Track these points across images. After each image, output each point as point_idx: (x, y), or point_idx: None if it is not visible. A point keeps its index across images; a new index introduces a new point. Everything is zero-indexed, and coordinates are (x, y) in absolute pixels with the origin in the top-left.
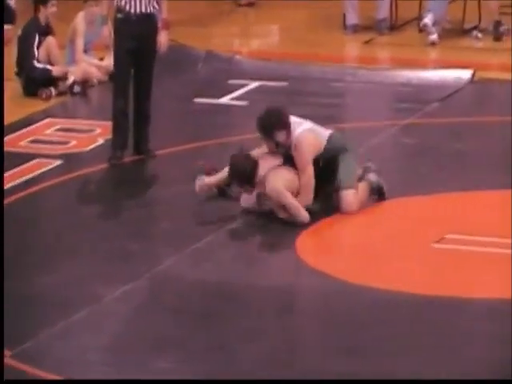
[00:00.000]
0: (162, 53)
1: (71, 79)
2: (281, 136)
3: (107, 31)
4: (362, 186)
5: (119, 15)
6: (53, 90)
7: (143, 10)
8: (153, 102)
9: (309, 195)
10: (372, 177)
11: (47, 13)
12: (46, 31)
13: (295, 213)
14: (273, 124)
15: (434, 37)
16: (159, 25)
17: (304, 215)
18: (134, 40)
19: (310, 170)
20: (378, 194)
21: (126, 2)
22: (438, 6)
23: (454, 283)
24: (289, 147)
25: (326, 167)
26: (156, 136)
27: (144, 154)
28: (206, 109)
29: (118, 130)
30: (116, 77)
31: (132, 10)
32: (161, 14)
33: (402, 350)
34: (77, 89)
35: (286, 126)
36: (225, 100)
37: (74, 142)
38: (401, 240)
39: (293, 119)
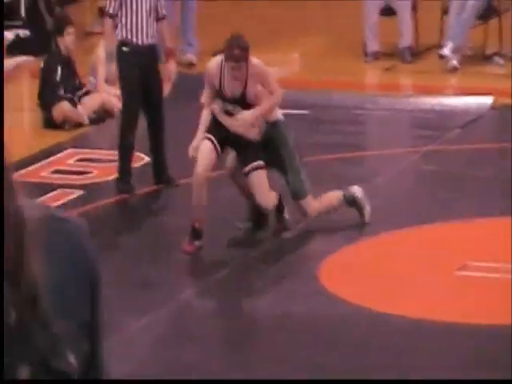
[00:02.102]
0: (172, 81)
1: (85, 118)
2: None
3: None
4: (333, 195)
5: (125, 48)
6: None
7: (149, 41)
8: (173, 130)
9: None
10: (351, 188)
11: (66, 43)
12: (67, 61)
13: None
14: (248, 47)
15: (454, 63)
16: (165, 54)
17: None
18: (143, 71)
19: (280, 91)
20: (354, 206)
21: (131, 34)
22: (458, 33)
23: (477, 310)
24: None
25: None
26: (177, 165)
27: (165, 182)
28: None
29: (127, 163)
30: (125, 111)
31: (139, 42)
32: (165, 43)
33: (425, 375)
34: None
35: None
36: None
37: (95, 173)
38: (423, 267)
39: None
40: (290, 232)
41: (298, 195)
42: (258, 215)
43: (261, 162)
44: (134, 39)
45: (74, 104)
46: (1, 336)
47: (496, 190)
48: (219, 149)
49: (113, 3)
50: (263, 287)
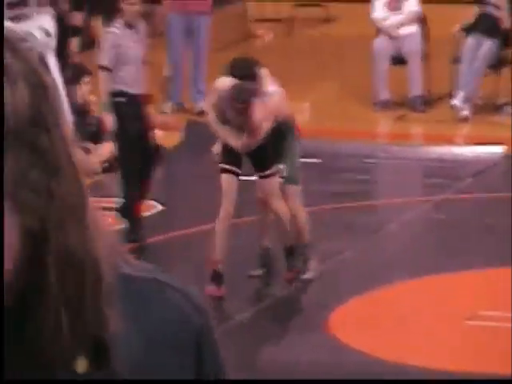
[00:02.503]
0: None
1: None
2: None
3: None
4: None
5: (121, 99)
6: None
7: (141, 91)
8: (184, 179)
9: None
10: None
11: (82, 92)
12: (82, 110)
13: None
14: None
15: (465, 113)
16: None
17: None
18: (140, 122)
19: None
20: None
21: (126, 85)
22: (469, 83)
23: (489, 360)
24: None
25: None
26: (188, 213)
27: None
28: (242, 186)
29: (135, 213)
30: (126, 162)
31: (135, 92)
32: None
33: None
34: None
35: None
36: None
37: (109, 221)
38: (433, 317)
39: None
40: (301, 278)
41: (290, 180)
42: (269, 260)
43: (275, 169)
44: (133, 90)
45: (88, 151)
46: (1, 336)
47: (508, 240)
48: (237, 170)
49: (107, 55)
50: (274, 338)
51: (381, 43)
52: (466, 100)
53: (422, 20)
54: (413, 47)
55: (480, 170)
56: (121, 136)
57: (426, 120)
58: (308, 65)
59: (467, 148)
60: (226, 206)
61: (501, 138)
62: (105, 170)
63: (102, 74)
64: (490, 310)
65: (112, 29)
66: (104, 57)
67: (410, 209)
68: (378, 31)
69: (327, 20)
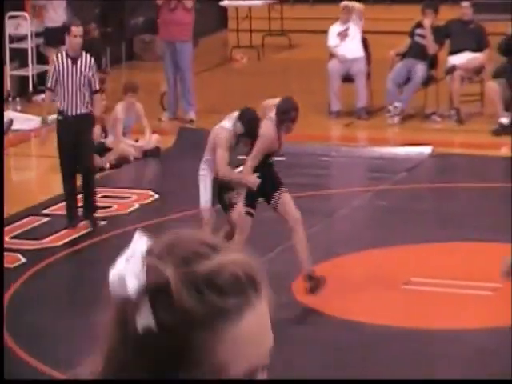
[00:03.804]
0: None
1: (107, 165)
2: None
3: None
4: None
5: (59, 117)
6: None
7: (78, 111)
8: (177, 174)
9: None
10: None
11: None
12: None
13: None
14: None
15: (395, 120)
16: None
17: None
18: (74, 137)
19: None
20: None
21: (63, 106)
22: (406, 98)
23: (420, 317)
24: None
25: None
26: (180, 200)
27: (88, 219)
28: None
29: (72, 204)
30: (61, 166)
31: (70, 113)
32: (94, 110)
33: (380, 370)
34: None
35: None
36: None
37: (115, 207)
38: (376, 282)
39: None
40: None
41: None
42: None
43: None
44: (67, 110)
45: (100, 153)
46: (1, 336)
47: (434, 221)
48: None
49: (51, 78)
50: None
51: (334, 65)
52: (401, 111)
53: (366, 47)
54: (359, 68)
55: (412, 166)
56: (58, 148)
57: (369, 126)
58: (276, 83)
59: (402, 148)
60: (240, 240)
61: (428, 140)
62: (112, 167)
63: (45, 94)
64: (422, 277)
65: (55, 57)
66: (48, 80)
67: (357, 197)
68: (332, 56)
69: (291, 47)
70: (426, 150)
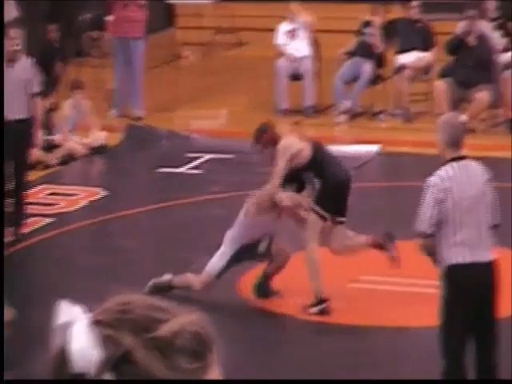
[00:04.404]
0: (38, 146)
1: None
2: None
3: None
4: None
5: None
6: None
7: (17, 116)
8: (124, 171)
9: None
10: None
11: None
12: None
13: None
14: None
15: (343, 118)
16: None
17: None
18: (13, 140)
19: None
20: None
21: (6, 111)
22: (354, 97)
23: (366, 314)
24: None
25: None
26: (127, 198)
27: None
28: (168, 176)
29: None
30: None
31: (10, 117)
32: (35, 113)
33: (323, 367)
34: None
35: None
36: (183, 169)
37: (62, 204)
38: (323, 281)
39: None
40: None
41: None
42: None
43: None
44: (8, 114)
45: (47, 150)
46: (1, 336)
47: (382, 219)
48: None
49: None
50: (186, 298)
51: (282, 63)
52: (349, 109)
53: (314, 45)
54: (307, 67)
55: (360, 164)
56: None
57: (317, 124)
58: (224, 80)
59: (350, 147)
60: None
61: (376, 138)
62: (60, 164)
63: None
64: (370, 275)
65: None
66: None
67: None
68: (280, 54)
69: (239, 44)
70: (374, 148)
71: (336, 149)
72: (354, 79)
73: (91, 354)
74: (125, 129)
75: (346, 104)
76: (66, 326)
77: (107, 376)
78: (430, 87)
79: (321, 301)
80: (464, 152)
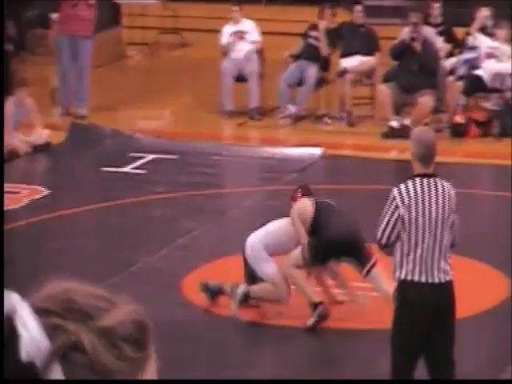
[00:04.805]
0: None
1: None
2: None
3: None
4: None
5: None
6: None
7: None
8: (68, 169)
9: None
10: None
11: None
12: None
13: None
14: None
15: (287, 121)
16: None
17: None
18: None
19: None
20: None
21: None
22: (301, 100)
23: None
24: None
25: None
26: (70, 197)
27: None
28: (112, 176)
29: None
30: None
31: None
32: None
33: (265, 370)
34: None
35: None
36: (127, 169)
37: (4, 202)
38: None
39: None
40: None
41: None
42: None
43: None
44: None
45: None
46: (1, 338)
47: None
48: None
49: None
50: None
51: (226, 64)
52: (293, 114)
53: (260, 47)
54: (252, 68)
55: (303, 167)
56: None
57: (261, 126)
58: (169, 80)
59: (293, 149)
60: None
61: (319, 142)
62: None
63: None
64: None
65: None
66: None
67: (248, 197)
68: (224, 55)
69: (184, 45)
70: (317, 151)
71: (279, 151)
72: (298, 82)
73: (40, 342)
74: (68, 127)
75: (291, 109)
76: (10, 313)
77: (56, 365)
78: (374, 91)
79: (316, 305)
80: (432, 170)
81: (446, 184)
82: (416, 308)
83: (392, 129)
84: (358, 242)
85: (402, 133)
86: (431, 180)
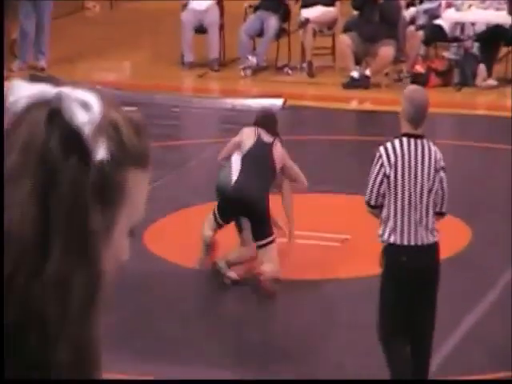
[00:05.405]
0: None
1: None
2: None
3: None
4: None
5: None
6: None
7: None
8: None
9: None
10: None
11: None
12: None
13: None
14: None
15: (248, 72)
16: None
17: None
18: None
19: None
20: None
21: None
22: (261, 52)
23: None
24: None
25: None
26: None
27: None
28: None
29: None
30: None
31: None
32: None
33: (226, 320)
34: None
35: None
36: None
37: None
38: (223, 234)
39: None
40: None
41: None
42: None
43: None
44: None
45: None
46: (1, 337)
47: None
48: None
49: None
50: None
51: (187, 16)
52: (254, 65)
53: None
54: (212, 19)
55: None
56: None
57: (221, 78)
58: (128, 32)
59: (254, 100)
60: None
61: (280, 92)
62: None
63: None
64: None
65: None
66: None
67: (207, 148)
68: (184, 6)
69: None
70: (278, 102)
71: (239, 102)
72: (259, 33)
73: (90, 107)
74: (27, 79)
75: (252, 60)
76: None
77: (101, 137)
78: (334, 42)
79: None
80: (421, 131)
81: (434, 147)
82: (401, 270)
83: (353, 79)
84: (247, 209)
85: (362, 83)
86: (418, 141)
